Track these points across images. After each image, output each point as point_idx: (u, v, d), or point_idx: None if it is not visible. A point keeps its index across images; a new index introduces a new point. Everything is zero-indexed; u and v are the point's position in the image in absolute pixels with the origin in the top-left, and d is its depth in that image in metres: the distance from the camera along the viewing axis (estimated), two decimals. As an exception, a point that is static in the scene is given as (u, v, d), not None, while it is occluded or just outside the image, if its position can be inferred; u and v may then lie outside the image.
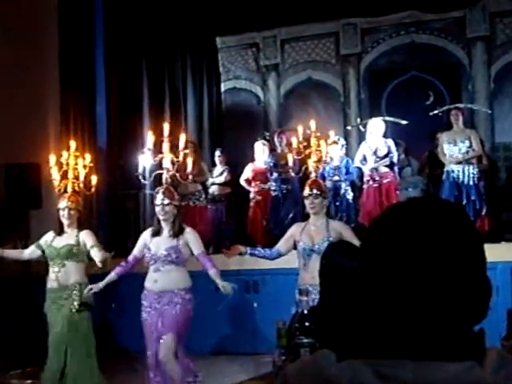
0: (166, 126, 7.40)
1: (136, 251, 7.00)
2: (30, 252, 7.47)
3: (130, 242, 9.78)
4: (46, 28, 11.48)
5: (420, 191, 10.97)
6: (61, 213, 7.25)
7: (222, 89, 14.08)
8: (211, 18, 12.92)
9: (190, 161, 7.79)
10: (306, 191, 6.96)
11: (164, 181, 7.20)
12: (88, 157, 8.07)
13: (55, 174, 7.67)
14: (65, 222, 7.25)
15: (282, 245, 6.98)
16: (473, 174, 10.05)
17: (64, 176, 7.71)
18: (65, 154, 7.89)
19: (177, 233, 6.79)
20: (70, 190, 7.58)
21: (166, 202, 6.81)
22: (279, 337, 3.41)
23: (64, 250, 7.12)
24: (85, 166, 7.89)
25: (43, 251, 7.30)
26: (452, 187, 10.02)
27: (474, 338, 1.27)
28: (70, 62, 11.52)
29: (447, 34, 13.05)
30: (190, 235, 6.88)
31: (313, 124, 9.05)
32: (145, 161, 7.73)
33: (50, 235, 7.34)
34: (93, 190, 8.06)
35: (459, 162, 10.08)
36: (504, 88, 12.63)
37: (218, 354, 9.41)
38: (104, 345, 7.75)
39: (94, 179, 8.01)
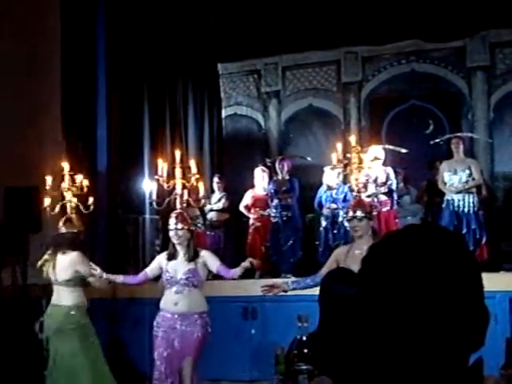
0: (178, 153, 7.51)
1: (148, 270, 7.10)
2: None
3: (127, 266, 9.80)
4: (47, 54, 11.51)
5: (419, 220, 10.95)
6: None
7: (223, 115, 14.12)
8: (213, 45, 12.99)
9: (201, 185, 7.84)
10: (350, 214, 6.53)
11: (179, 205, 7.27)
12: (81, 178, 8.03)
13: (49, 197, 7.69)
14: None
15: (326, 270, 6.29)
16: (473, 203, 10.03)
17: (61, 198, 7.72)
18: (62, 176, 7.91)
19: (192, 257, 6.86)
20: (69, 212, 7.60)
21: (180, 226, 6.89)
22: (278, 363, 3.40)
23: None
24: (82, 189, 7.88)
25: None
26: (452, 216, 9.98)
27: (472, 366, 1.27)
28: (72, 86, 11.54)
29: (447, 63, 13.12)
30: (207, 254, 7.01)
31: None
32: (152, 187, 7.80)
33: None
34: (91, 208, 8.02)
35: (459, 191, 10.06)
36: (503, 118, 12.67)
37: (216, 380, 9.34)
38: (116, 368, 7.72)
39: (90, 200, 7.99)
